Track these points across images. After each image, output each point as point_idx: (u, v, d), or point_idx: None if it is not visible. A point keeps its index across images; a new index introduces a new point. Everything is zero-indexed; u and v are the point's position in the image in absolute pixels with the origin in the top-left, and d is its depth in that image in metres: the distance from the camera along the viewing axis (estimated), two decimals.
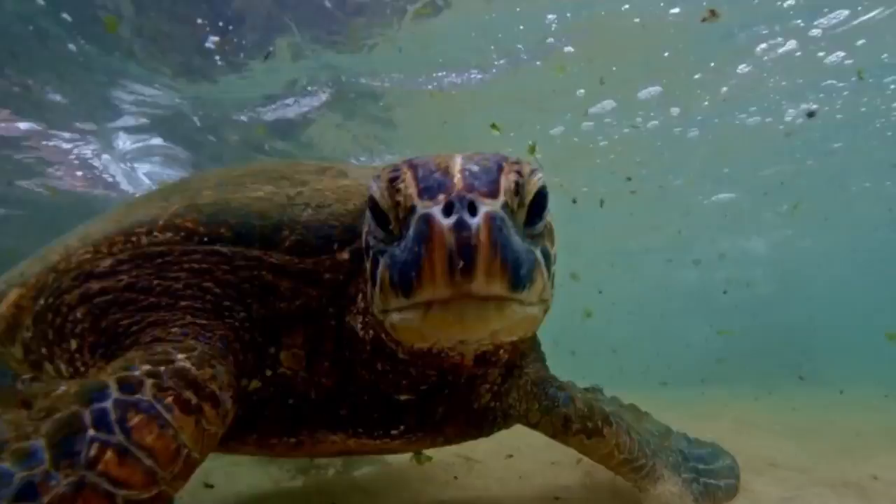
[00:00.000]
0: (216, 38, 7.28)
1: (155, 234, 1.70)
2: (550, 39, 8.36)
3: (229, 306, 1.67)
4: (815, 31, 8.53)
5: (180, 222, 1.72)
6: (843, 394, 9.17)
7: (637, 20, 7.93)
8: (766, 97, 10.60)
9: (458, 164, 1.23)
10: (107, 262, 1.69)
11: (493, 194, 1.18)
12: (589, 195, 11.75)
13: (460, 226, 1.10)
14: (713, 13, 6.84)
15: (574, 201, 10.41)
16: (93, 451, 1.13)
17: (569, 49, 8.50)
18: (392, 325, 1.29)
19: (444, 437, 2.11)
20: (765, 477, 3.39)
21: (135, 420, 1.22)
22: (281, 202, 1.78)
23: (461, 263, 1.09)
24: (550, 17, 7.73)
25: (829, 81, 10.22)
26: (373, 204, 1.32)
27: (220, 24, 7.13)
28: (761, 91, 10.33)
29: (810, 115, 10.89)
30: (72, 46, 7.28)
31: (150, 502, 1.17)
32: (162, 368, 1.36)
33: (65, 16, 6.65)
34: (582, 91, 9.86)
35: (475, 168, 1.22)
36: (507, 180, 1.23)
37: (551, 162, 10.88)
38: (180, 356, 1.43)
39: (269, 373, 1.74)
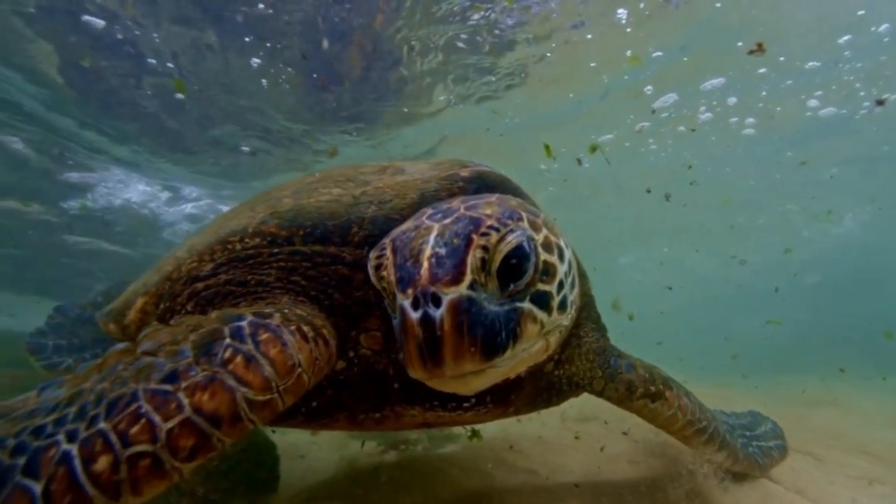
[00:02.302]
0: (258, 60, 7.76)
1: (246, 240, 1.97)
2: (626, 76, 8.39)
3: (315, 296, 1.91)
4: None
5: (265, 228, 1.97)
6: (885, 380, 8.73)
7: (718, 4, 7.54)
8: (838, 81, 10.06)
9: (428, 248, 1.37)
10: (208, 267, 1.97)
11: (456, 280, 1.31)
12: (647, 193, 11.45)
13: (426, 319, 1.28)
14: (760, 46, 6.66)
15: (648, 191, 10.21)
16: (227, 354, 1.42)
17: (658, 54, 8.43)
18: None
19: (514, 408, 2.24)
20: (887, 471, 3.32)
21: (264, 336, 1.51)
22: (348, 202, 2.00)
23: (430, 354, 1.27)
24: (621, 11, 7.52)
25: None
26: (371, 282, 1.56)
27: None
28: (835, 79, 9.84)
29: (879, 103, 10.20)
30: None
31: (262, 406, 1.41)
32: (286, 310, 1.67)
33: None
34: (650, 88, 9.75)
35: (442, 251, 1.36)
36: (473, 258, 1.35)
37: (605, 161, 10.82)
38: (297, 309, 1.73)
39: (351, 353, 1.95)
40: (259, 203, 2.19)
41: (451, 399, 2.04)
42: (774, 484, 2.96)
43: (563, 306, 1.57)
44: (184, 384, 1.34)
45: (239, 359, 1.42)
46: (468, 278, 1.32)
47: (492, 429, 3.73)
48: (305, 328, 1.62)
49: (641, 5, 7.18)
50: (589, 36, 7.71)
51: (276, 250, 1.95)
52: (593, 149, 7.67)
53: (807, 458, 3.74)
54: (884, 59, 9.25)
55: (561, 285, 1.56)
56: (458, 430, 3.79)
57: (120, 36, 6.54)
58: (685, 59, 8.70)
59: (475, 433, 3.46)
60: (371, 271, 1.51)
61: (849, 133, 12.18)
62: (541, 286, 1.48)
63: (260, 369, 1.43)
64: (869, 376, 9.35)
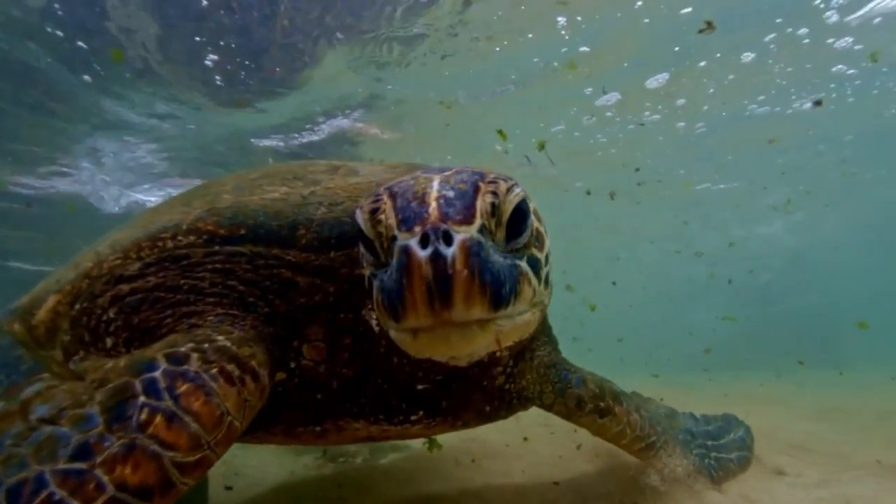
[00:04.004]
0: (215, 57, 7.42)
1: (179, 237, 1.79)
2: (564, 49, 8.40)
3: (253, 302, 1.75)
4: (830, 13, 8.37)
5: (202, 225, 1.80)
6: (842, 375, 9.45)
7: (647, 20, 7.91)
8: (773, 84, 10.50)
9: (434, 191, 1.27)
10: (135, 266, 1.78)
11: (467, 220, 1.22)
12: (596, 188, 11.61)
13: (436, 257, 1.15)
14: (710, 25, 6.85)
15: (588, 193, 10.36)
16: (143, 416, 1.25)
17: (584, 49, 8.47)
18: (392, 338, 1.38)
19: (462, 421, 2.16)
20: (797, 460, 3.42)
21: (182, 388, 1.33)
22: (296, 202, 1.86)
23: (439, 294, 1.15)
24: (560, 19, 7.71)
25: (839, 66, 10.09)
26: (359, 232, 1.40)
27: (221, 43, 7.28)
28: (768, 78, 10.25)
29: (817, 103, 10.74)
30: (86, 77, 7.61)
31: (195, 466, 1.26)
32: (205, 345, 1.48)
33: (80, 43, 6.92)
34: (590, 89, 9.89)
35: (450, 194, 1.26)
36: (483, 202, 1.27)
37: (557, 156, 10.90)
38: (220, 337, 1.55)
39: (292, 364, 1.81)
40: (195, 198, 2.00)
41: (397, 412, 1.95)
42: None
43: (547, 281, 1.52)
44: (99, 459, 1.16)
45: (158, 419, 1.25)
46: (478, 221, 1.24)
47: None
48: (229, 367, 1.45)
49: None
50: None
51: (212, 250, 1.78)
52: (541, 146, 7.70)
53: None
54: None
55: (547, 258, 1.51)
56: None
57: None
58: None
59: (433, 442, 3.35)
60: (364, 217, 1.36)
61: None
62: (534, 251, 1.43)
63: (185, 428, 1.27)
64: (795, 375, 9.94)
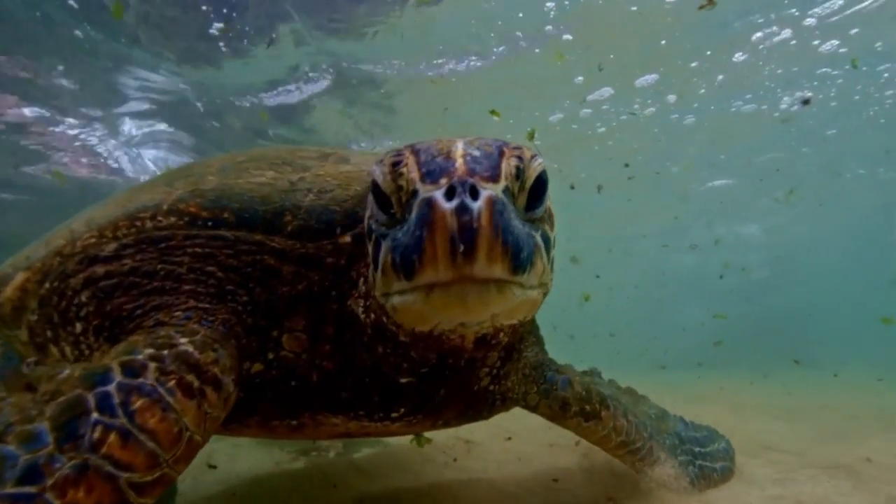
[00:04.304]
0: (220, 25, 7.33)
1: (159, 218, 1.71)
2: (549, 27, 8.42)
3: (232, 290, 1.68)
4: (810, 20, 8.57)
5: (184, 207, 1.73)
6: (837, 377, 9.43)
7: (634, 8, 7.96)
8: (761, 85, 10.64)
9: (459, 148, 1.25)
10: (111, 246, 1.70)
11: (494, 178, 1.20)
12: (587, 181, 11.75)
13: (462, 209, 1.11)
14: (710, 0, 6.86)
15: (572, 187, 10.41)
16: (96, 434, 1.16)
17: (567, 37, 8.54)
18: (394, 307, 1.31)
19: (443, 420, 2.13)
20: (759, 459, 3.45)
21: (138, 403, 1.25)
22: (283, 187, 1.79)
23: (463, 246, 1.10)
24: (549, 4, 7.77)
25: (824, 69, 10.26)
26: (375, 188, 1.34)
27: (224, 10, 7.20)
28: (756, 79, 10.37)
29: (805, 102, 10.93)
30: (78, 32, 7.35)
31: (153, 485, 1.20)
32: (165, 352, 1.39)
33: (71, 2, 6.71)
34: (580, 78, 9.89)
35: (477, 153, 1.24)
36: (508, 165, 1.25)
37: (549, 148, 10.92)
38: (183, 340, 1.46)
39: (271, 356, 1.75)
40: (179, 178, 1.91)
41: (378, 408, 1.90)
42: None
43: (552, 266, 1.48)
44: (49, 482, 1.08)
45: (112, 438, 1.17)
46: (504, 182, 1.23)
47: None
48: (188, 378, 1.37)
49: None
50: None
51: (193, 233, 1.70)
52: (531, 136, 7.66)
53: None
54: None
55: (555, 242, 1.48)
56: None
57: None
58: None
59: (420, 436, 3.30)
60: (384, 169, 1.31)
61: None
62: (547, 229, 1.40)
63: (141, 446, 1.20)
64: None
